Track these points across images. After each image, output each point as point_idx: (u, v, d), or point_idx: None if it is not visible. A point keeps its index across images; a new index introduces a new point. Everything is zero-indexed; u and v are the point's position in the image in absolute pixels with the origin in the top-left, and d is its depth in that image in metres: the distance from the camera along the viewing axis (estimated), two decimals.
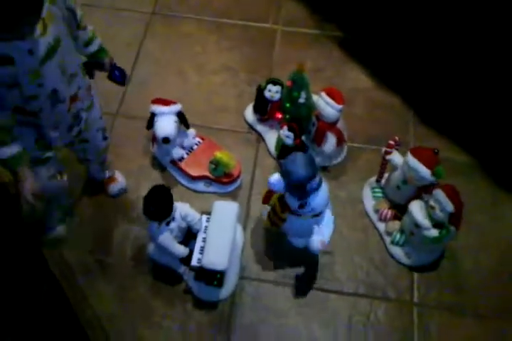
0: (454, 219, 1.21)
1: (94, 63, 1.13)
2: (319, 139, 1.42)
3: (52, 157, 1.11)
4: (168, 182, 1.43)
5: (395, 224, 1.34)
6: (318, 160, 1.42)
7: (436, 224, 1.23)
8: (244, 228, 1.37)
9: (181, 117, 1.40)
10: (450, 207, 1.18)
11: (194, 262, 1.23)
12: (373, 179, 1.43)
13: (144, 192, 1.17)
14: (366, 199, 1.42)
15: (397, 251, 1.33)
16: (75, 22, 1.01)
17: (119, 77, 1.18)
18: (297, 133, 1.38)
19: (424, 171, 1.22)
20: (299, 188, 1.10)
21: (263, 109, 1.48)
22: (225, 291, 1.28)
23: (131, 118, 1.54)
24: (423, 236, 1.25)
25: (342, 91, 1.34)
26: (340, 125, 1.41)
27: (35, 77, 0.92)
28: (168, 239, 1.21)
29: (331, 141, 1.40)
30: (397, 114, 1.58)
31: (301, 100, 1.38)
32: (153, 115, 1.37)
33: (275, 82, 1.43)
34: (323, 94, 1.33)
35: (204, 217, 1.29)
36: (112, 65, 1.17)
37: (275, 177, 1.15)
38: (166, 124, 1.35)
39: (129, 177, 1.44)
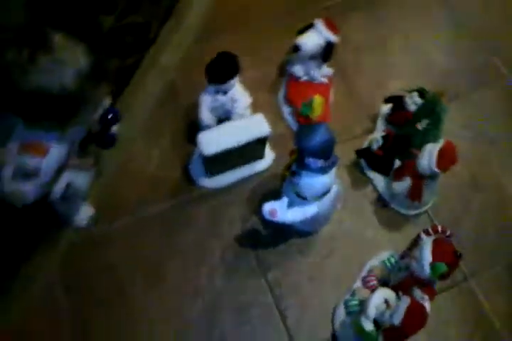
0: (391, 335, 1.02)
1: None
2: (398, 175, 1.24)
3: None
4: None
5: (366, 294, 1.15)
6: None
7: (376, 322, 1.04)
8: None
9: (329, 47, 1.30)
10: (397, 320, 0.99)
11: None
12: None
13: None
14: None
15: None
16: None
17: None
18: (387, 143, 1.23)
19: (427, 259, 1.02)
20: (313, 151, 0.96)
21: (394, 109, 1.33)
22: None
23: None
24: (356, 322, 1.07)
25: None
26: None
27: None
28: (207, 101, 1.21)
29: (404, 183, 1.22)
30: None
31: (419, 126, 1.21)
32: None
33: (422, 95, 1.25)
34: None
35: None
36: None
37: None
38: (308, 36, 1.28)
39: None
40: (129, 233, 1.21)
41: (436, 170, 1.12)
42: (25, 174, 0.92)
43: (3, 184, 0.93)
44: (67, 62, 0.82)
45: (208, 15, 1.51)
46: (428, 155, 1.13)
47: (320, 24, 1.29)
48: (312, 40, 1.29)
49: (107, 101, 0.97)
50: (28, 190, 0.93)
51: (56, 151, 0.93)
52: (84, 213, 1.21)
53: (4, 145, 0.92)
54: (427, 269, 1.03)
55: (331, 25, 1.30)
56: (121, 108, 1.31)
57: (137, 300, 1.14)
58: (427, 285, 1.08)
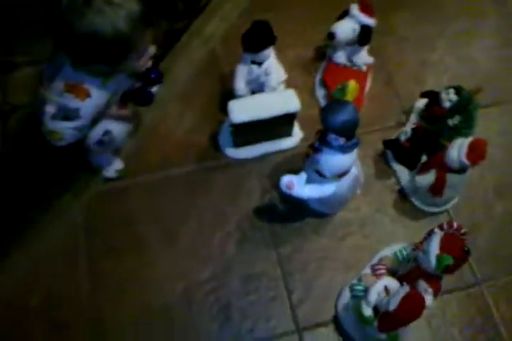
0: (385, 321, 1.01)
1: None
2: (424, 168, 1.24)
3: None
4: None
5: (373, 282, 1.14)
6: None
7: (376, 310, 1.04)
8: None
9: (365, 31, 1.28)
10: (393, 306, 0.97)
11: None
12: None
13: None
14: None
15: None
16: None
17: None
18: (416, 136, 1.23)
19: (434, 251, 1.01)
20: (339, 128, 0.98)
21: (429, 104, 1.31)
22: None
23: None
24: (357, 305, 1.07)
25: None
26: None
27: None
28: (242, 71, 1.22)
29: (428, 177, 1.21)
30: None
31: (450, 122, 1.20)
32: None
33: (458, 92, 1.23)
34: None
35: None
36: None
37: None
38: (342, 23, 1.27)
39: None
40: (152, 190, 1.23)
41: (465, 161, 1.11)
42: (66, 114, 0.94)
43: (45, 120, 0.96)
44: (121, 4, 0.84)
45: None
46: (458, 147, 1.13)
47: (355, 8, 1.28)
48: (345, 27, 1.28)
49: (152, 50, 0.98)
50: (67, 130, 0.96)
51: (97, 96, 0.96)
52: (115, 165, 1.23)
53: (51, 83, 0.95)
54: (433, 260, 1.02)
55: (367, 9, 1.28)
56: (162, 69, 1.33)
57: (150, 255, 1.17)
58: (432, 279, 1.07)
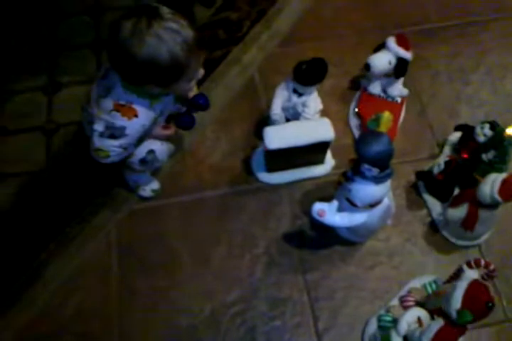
0: None
1: None
2: (456, 202, 1.23)
3: None
4: None
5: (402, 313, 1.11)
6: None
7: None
8: None
9: (401, 64, 1.31)
10: (426, 340, 0.97)
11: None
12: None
13: None
14: None
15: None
16: None
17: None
18: (449, 169, 1.23)
19: (456, 305, 0.97)
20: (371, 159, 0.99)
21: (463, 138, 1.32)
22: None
23: None
24: (386, 336, 1.07)
25: None
26: None
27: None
28: (282, 95, 1.26)
29: (460, 211, 1.20)
30: None
31: (484, 157, 1.20)
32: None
33: (493, 127, 1.23)
34: None
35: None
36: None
37: None
38: (378, 55, 1.31)
39: None
40: (185, 211, 1.26)
41: (497, 197, 1.11)
42: (112, 132, 0.99)
43: (93, 138, 1.00)
44: (179, 31, 0.89)
45: (296, 23, 1.57)
46: (491, 182, 1.12)
47: (392, 41, 1.31)
48: (381, 59, 1.31)
49: (201, 73, 1.02)
50: (113, 148, 1.00)
51: (144, 117, 1.00)
52: (151, 185, 1.27)
53: (100, 101, 1.00)
54: (454, 314, 0.98)
55: (404, 42, 1.31)
56: None
57: (181, 275, 1.20)
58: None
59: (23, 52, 1.52)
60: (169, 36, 0.88)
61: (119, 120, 0.98)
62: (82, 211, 1.27)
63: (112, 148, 1.00)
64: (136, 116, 0.98)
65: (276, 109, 1.28)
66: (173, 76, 0.94)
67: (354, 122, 1.41)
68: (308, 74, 1.20)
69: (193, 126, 1.17)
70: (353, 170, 1.06)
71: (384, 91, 1.41)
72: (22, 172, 1.33)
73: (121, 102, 0.97)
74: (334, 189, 1.18)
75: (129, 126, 0.99)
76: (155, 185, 1.28)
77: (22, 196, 1.29)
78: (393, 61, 1.31)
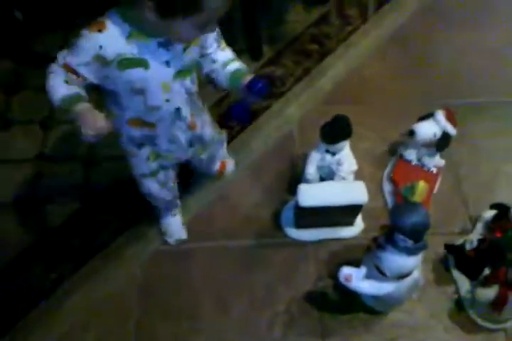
0: None
1: None
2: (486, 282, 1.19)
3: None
4: None
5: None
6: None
7: None
8: None
9: (445, 138, 1.32)
10: None
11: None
12: None
13: None
14: None
15: None
16: (217, 44, 0.96)
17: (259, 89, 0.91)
18: (482, 246, 1.20)
19: None
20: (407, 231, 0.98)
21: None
22: None
23: None
24: None
25: None
26: None
27: (166, 91, 0.90)
28: (315, 158, 1.28)
29: (490, 292, 1.16)
30: None
31: None
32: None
33: None
34: None
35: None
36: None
37: None
38: (425, 124, 1.32)
39: None
40: (210, 257, 1.26)
41: None
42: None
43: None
44: None
45: (339, 84, 1.62)
46: None
47: (440, 114, 1.33)
48: (428, 128, 1.32)
49: (216, 32, 0.94)
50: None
51: (107, 39, 0.82)
52: (179, 234, 1.28)
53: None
54: None
55: (451, 117, 1.33)
56: (239, 144, 1.44)
57: (200, 322, 1.18)
58: None
59: None
60: None
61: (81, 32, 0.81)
62: (109, 246, 1.27)
63: (59, 56, 0.84)
64: (99, 31, 0.80)
65: (311, 172, 1.30)
66: (184, 2, 0.76)
67: (387, 187, 1.41)
68: (332, 132, 1.22)
69: (248, 118, 1.01)
70: (385, 238, 1.05)
71: (419, 159, 1.41)
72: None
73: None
74: (363, 253, 1.16)
75: (84, 37, 0.81)
76: (182, 234, 1.28)
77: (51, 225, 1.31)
78: (438, 134, 1.32)
